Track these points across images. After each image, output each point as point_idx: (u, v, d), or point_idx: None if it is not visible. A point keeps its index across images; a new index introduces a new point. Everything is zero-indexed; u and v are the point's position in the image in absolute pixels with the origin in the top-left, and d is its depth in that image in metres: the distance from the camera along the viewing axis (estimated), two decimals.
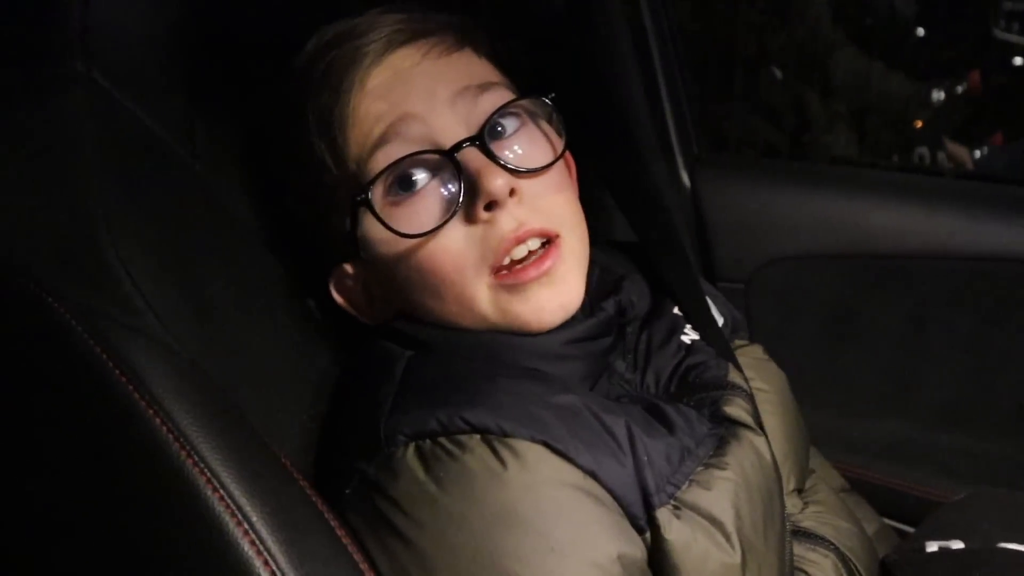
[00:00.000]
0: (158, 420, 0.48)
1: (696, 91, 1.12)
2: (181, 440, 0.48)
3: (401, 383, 0.57)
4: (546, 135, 0.62)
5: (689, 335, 0.69)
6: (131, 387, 0.48)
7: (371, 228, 0.59)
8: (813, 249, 1.03)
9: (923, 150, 1.75)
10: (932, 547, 0.66)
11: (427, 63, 0.59)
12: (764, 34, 1.78)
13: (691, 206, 1.06)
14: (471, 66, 0.62)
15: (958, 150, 1.75)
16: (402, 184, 0.58)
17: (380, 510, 0.52)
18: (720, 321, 0.73)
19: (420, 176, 0.58)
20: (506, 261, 0.58)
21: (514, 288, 0.58)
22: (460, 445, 0.52)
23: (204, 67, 0.63)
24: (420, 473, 0.52)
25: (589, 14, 0.95)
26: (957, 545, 0.65)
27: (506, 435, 0.52)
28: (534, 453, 0.52)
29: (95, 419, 0.50)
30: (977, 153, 1.79)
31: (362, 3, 0.63)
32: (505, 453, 0.51)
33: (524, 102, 0.61)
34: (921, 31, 1.90)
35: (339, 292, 0.64)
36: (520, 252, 0.58)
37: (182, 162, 0.61)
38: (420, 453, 0.53)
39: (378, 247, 0.60)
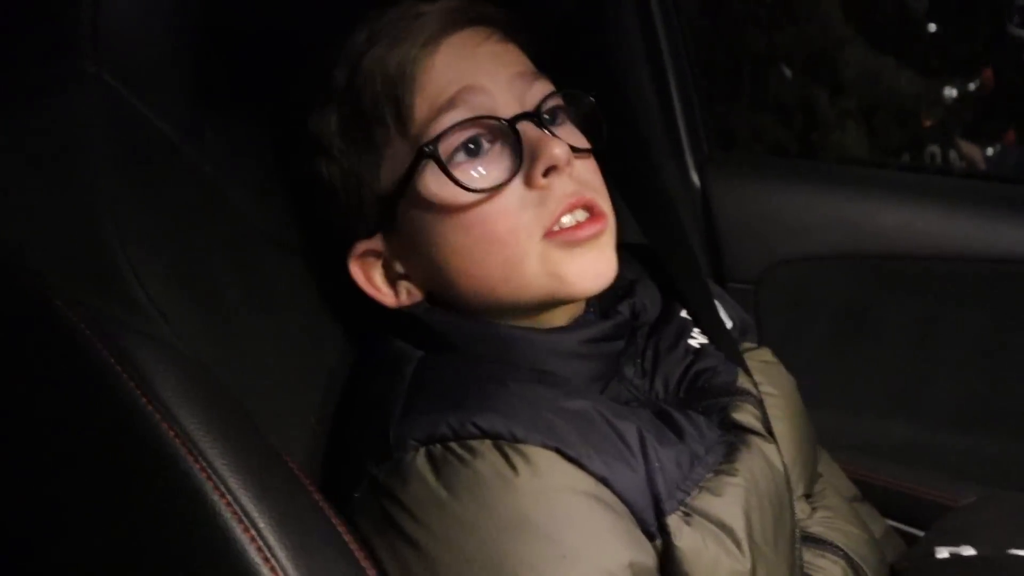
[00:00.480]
0: (165, 425, 0.48)
1: (706, 90, 1.11)
2: (188, 445, 0.48)
3: (411, 386, 0.57)
4: (581, 128, 0.64)
5: (697, 339, 0.68)
6: (139, 391, 0.48)
7: (430, 182, 0.59)
8: (823, 250, 1.02)
9: (934, 149, 1.73)
10: (943, 553, 0.65)
11: (489, 45, 0.62)
12: (773, 31, 1.77)
13: (701, 206, 1.05)
14: (521, 56, 0.64)
15: (970, 149, 1.73)
16: (465, 145, 0.59)
17: (390, 515, 0.52)
18: (729, 324, 0.72)
19: (483, 140, 0.59)
20: (556, 228, 0.59)
21: (566, 246, 0.59)
22: (471, 450, 0.52)
23: (214, 67, 0.62)
24: (431, 478, 0.52)
25: (601, 14, 0.95)
26: (968, 551, 0.65)
27: (518, 441, 0.52)
28: (546, 459, 0.52)
29: (102, 423, 0.50)
30: (990, 151, 1.77)
31: (373, 2, 0.62)
32: (517, 459, 0.51)
33: (572, 92, 0.64)
34: (933, 27, 1.88)
35: (359, 271, 0.63)
36: (567, 220, 0.59)
37: (191, 162, 0.60)
38: (431, 458, 0.52)
39: (430, 205, 0.59)
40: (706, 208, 1.05)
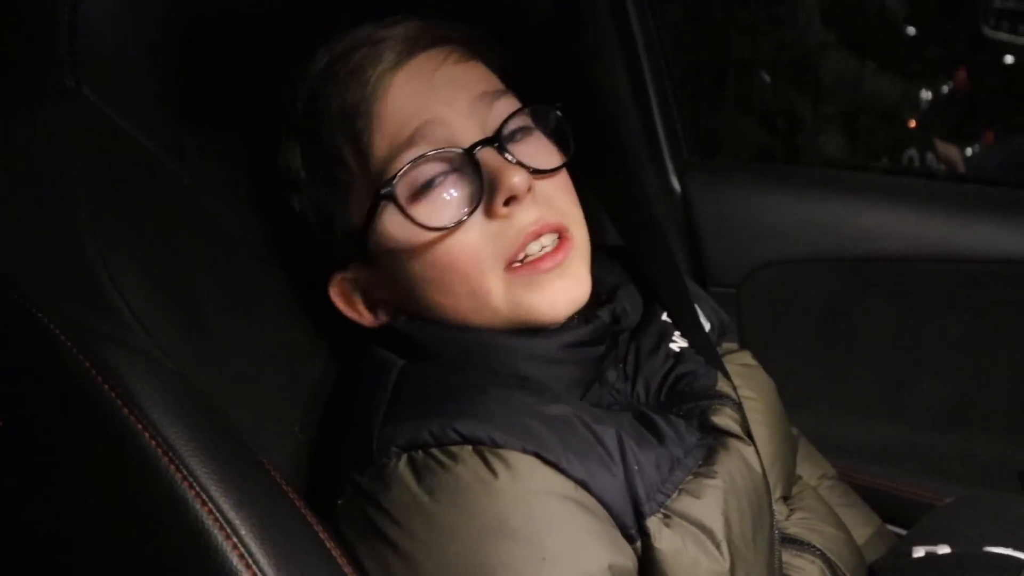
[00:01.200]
0: (147, 434, 0.48)
1: (686, 96, 1.13)
2: (170, 454, 0.48)
3: (394, 393, 0.58)
4: (552, 141, 0.64)
5: (678, 342, 0.69)
6: (120, 401, 0.49)
7: (390, 223, 0.60)
8: (804, 253, 1.03)
9: (912, 152, 1.75)
10: (919, 552, 0.66)
11: (447, 68, 0.61)
12: (756, 36, 1.79)
13: (682, 211, 1.06)
14: (484, 74, 0.64)
15: (948, 150, 1.75)
16: (424, 180, 0.59)
17: (373, 521, 0.53)
18: (707, 326, 0.73)
19: (441, 173, 0.59)
20: (521, 256, 0.59)
21: (529, 280, 0.59)
22: (452, 456, 0.52)
23: (194, 80, 0.63)
24: (412, 484, 0.52)
25: (578, 21, 0.96)
26: (943, 550, 0.66)
27: (497, 446, 0.53)
28: (525, 464, 0.52)
29: (85, 433, 0.51)
30: (968, 151, 1.79)
31: (354, 16, 0.63)
32: (497, 464, 0.52)
33: (536, 107, 0.64)
34: (912, 30, 1.90)
35: (339, 297, 0.64)
36: (534, 248, 0.60)
37: (171, 174, 0.61)
38: (412, 464, 0.53)
39: (394, 243, 0.60)
40: (687, 213, 1.06)
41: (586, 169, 0.75)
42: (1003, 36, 1.65)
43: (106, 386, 0.49)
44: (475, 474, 0.51)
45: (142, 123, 0.59)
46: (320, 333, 0.67)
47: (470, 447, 0.53)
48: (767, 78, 1.80)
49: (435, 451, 0.53)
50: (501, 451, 0.52)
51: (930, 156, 1.74)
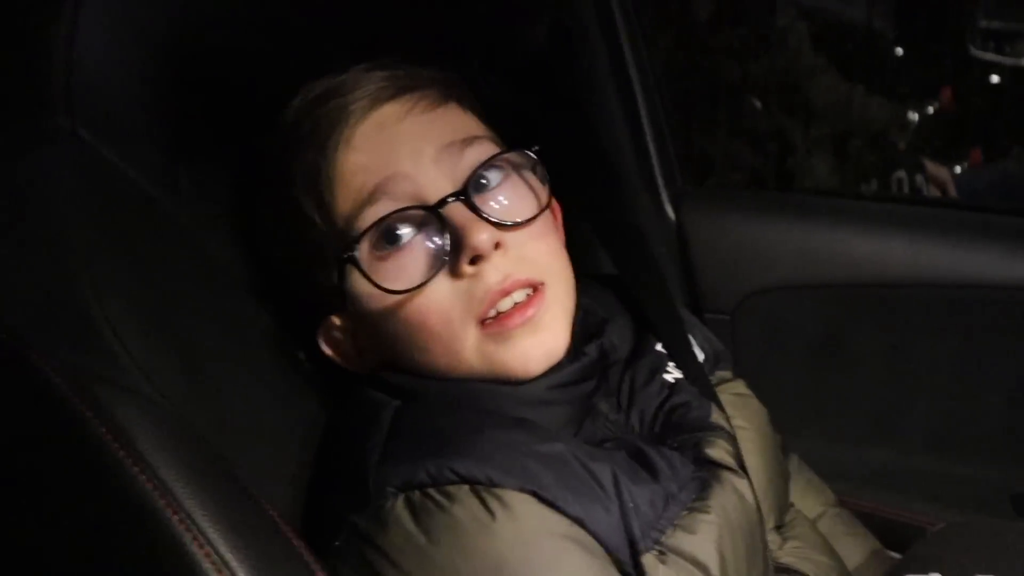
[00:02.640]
0: (144, 477, 0.48)
1: (680, 124, 1.13)
2: (168, 497, 0.48)
3: (389, 433, 0.58)
4: (530, 186, 0.63)
5: (672, 373, 0.69)
6: (116, 444, 0.49)
7: (358, 283, 0.60)
8: (797, 279, 1.04)
9: (901, 173, 1.77)
10: None
11: (412, 119, 0.60)
12: (747, 63, 1.81)
13: (676, 239, 1.07)
14: (455, 121, 0.63)
15: (937, 170, 1.77)
16: (388, 239, 0.58)
17: (370, 562, 0.53)
18: (701, 356, 0.73)
19: (406, 231, 0.59)
20: (492, 313, 0.59)
21: (499, 337, 0.58)
22: (449, 496, 0.52)
23: (189, 119, 0.63)
24: (410, 525, 0.52)
25: (571, 51, 0.96)
26: None
27: (494, 485, 0.53)
28: (522, 503, 0.52)
29: (81, 477, 0.51)
30: (958, 168, 1.81)
31: (347, 56, 0.63)
32: (494, 504, 0.52)
33: (508, 155, 0.62)
34: (900, 51, 1.93)
35: (327, 343, 0.64)
36: (506, 304, 0.59)
37: (167, 213, 0.61)
38: (410, 504, 0.53)
39: (365, 301, 0.60)
40: (681, 241, 1.07)
41: (579, 199, 0.76)
42: (989, 56, 1.67)
43: (102, 428, 0.49)
44: (472, 514, 0.51)
45: (137, 161, 0.59)
46: (316, 370, 0.67)
47: (467, 487, 0.53)
48: (757, 104, 1.82)
49: (432, 491, 0.53)
50: (498, 491, 0.52)
51: (919, 177, 1.76)
